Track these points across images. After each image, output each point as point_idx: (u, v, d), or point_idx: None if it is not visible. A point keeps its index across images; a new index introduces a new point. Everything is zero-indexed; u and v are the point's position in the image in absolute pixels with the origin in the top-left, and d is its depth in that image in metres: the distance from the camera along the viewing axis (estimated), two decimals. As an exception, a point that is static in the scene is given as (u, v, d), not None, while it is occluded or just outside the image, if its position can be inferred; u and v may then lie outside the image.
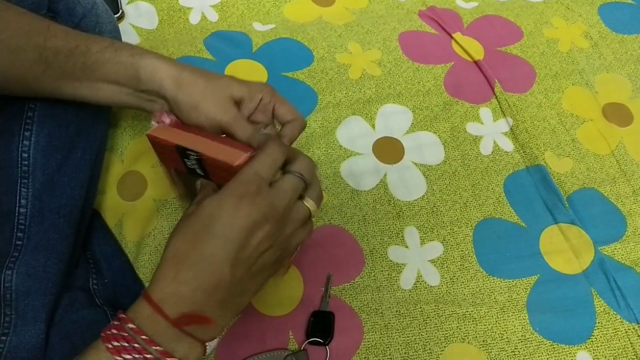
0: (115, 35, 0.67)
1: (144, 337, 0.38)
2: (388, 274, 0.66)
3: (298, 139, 0.75)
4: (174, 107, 0.53)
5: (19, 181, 0.54)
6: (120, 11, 0.85)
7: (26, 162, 0.54)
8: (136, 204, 0.69)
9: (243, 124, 0.52)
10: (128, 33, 0.85)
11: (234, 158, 0.46)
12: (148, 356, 0.38)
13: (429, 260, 0.67)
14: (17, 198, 0.54)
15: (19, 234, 0.53)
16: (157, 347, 0.39)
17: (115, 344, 0.38)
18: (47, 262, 0.53)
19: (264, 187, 0.42)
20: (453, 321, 0.63)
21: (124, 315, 0.40)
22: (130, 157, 0.73)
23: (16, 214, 0.53)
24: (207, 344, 0.42)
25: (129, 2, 0.88)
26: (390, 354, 0.60)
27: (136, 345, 0.38)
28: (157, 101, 0.54)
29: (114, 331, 0.39)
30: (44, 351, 0.51)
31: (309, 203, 0.46)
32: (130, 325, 0.39)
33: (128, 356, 0.38)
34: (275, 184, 0.44)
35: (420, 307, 0.63)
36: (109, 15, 0.65)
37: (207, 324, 0.41)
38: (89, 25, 0.61)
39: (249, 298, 0.45)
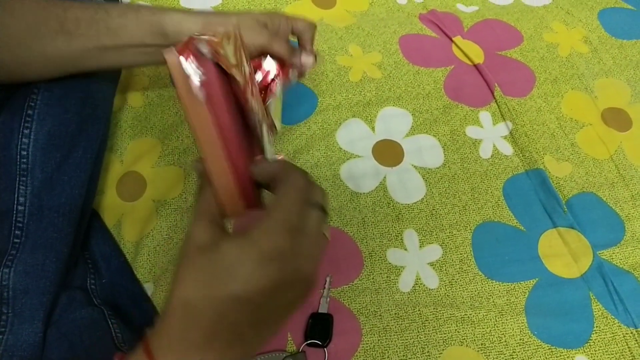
0: None
1: None
2: (387, 277, 0.66)
3: (298, 141, 0.75)
4: None
5: (17, 179, 0.54)
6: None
7: (25, 160, 0.54)
8: (135, 205, 0.69)
9: (279, 41, 0.54)
10: (129, 33, 0.85)
11: None
12: None
13: (428, 263, 0.67)
14: (16, 196, 0.54)
15: (17, 232, 0.53)
16: None
17: None
18: (46, 260, 0.53)
19: (295, 242, 0.34)
20: (451, 324, 0.63)
21: None
22: (130, 157, 0.72)
23: (14, 212, 0.53)
24: None
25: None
26: (388, 357, 0.60)
27: None
28: None
29: None
30: (41, 350, 0.50)
31: (327, 234, 0.38)
32: None
33: None
34: (304, 232, 0.35)
35: (419, 310, 0.63)
36: None
37: None
38: None
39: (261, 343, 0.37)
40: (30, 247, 0.53)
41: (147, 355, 0.32)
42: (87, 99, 0.59)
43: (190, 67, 0.35)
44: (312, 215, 0.35)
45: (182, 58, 0.34)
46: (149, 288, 0.63)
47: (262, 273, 0.32)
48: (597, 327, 0.63)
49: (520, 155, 0.76)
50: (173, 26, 0.52)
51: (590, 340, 0.62)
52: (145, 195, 0.70)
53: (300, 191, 0.35)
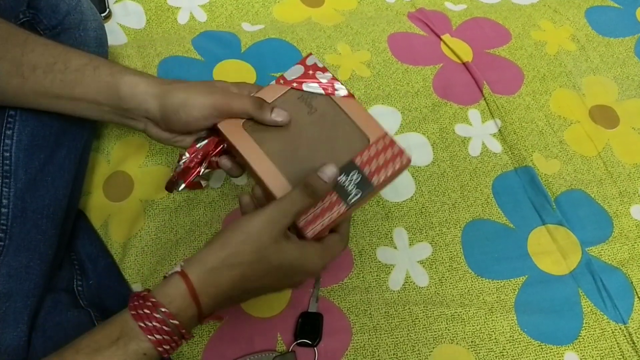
0: (100, 32, 0.66)
1: (182, 330, 0.42)
2: (377, 275, 0.65)
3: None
4: (161, 119, 0.52)
5: (0, 181, 0.53)
6: (108, 10, 0.85)
7: (8, 162, 0.53)
8: (122, 205, 0.68)
9: (238, 97, 0.52)
10: (115, 32, 0.84)
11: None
12: (175, 337, 0.42)
13: (418, 261, 0.67)
14: None
15: (0, 235, 0.52)
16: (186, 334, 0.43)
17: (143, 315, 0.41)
18: (30, 263, 0.52)
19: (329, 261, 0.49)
20: (442, 322, 0.63)
21: (165, 310, 0.41)
22: (117, 157, 0.72)
23: None
24: None
25: (116, 1, 0.87)
26: (378, 355, 0.60)
27: (174, 337, 0.42)
28: (140, 120, 0.54)
29: (155, 324, 0.41)
30: (26, 354, 0.50)
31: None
32: (174, 322, 0.41)
33: (166, 346, 0.41)
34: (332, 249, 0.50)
35: (409, 308, 0.63)
36: (93, 13, 0.64)
37: (218, 320, 0.47)
38: (72, 22, 0.60)
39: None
40: (13, 250, 0.52)
41: (192, 297, 0.42)
42: None
43: None
44: (336, 241, 0.50)
45: None
46: (136, 289, 0.63)
47: (314, 266, 0.47)
48: (586, 323, 0.64)
49: (509, 152, 0.76)
50: (126, 91, 0.51)
51: (580, 336, 0.63)
52: (132, 196, 0.69)
53: (338, 252, 0.50)
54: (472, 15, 0.92)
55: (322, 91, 0.53)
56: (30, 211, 0.54)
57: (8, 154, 0.53)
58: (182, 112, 0.51)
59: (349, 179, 0.49)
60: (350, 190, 0.49)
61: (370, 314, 0.63)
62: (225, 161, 0.55)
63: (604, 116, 0.82)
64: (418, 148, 0.76)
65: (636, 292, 0.66)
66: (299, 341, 0.60)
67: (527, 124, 0.79)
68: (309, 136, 0.52)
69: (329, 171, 0.46)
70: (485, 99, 0.81)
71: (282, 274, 0.46)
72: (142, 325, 0.40)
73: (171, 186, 0.56)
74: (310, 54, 0.55)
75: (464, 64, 0.85)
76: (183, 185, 0.55)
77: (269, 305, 0.62)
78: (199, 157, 0.54)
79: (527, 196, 0.73)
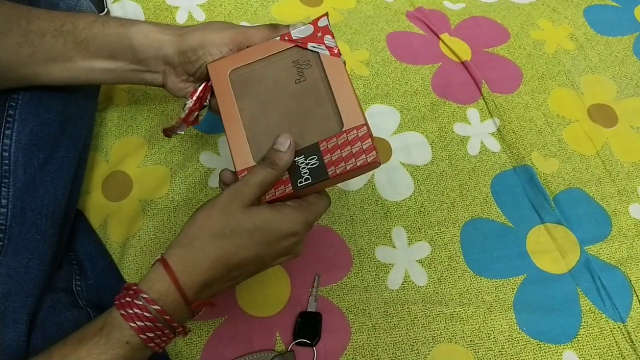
0: None
1: (166, 317, 0.42)
2: (376, 274, 0.65)
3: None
4: (179, 64, 0.51)
5: None
6: (106, 9, 0.84)
7: (7, 161, 0.53)
8: (121, 205, 0.68)
9: (255, 28, 0.51)
10: (114, 32, 0.84)
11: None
12: (165, 331, 0.42)
13: (417, 261, 0.67)
14: None
15: None
16: (173, 324, 0.42)
17: (131, 312, 0.41)
18: (29, 263, 0.52)
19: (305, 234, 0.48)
20: (440, 321, 0.63)
21: (146, 296, 0.41)
22: (116, 157, 0.72)
23: None
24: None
25: (114, 1, 0.87)
26: (377, 355, 0.60)
27: (158, 324, 0.42)
28: (158, 70, 0.53)
29: (136, 310, 0.41)
30: (25, 354, 0.50)
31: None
32: (156, 307, 0.41)
33: (150, 334, 0.41)
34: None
35: (408, 308, 0.63)
36: (93, 12, 0.64)
37: (211, 307, 0.45)
38: None
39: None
40: (13, 250, 0.52)
41: (167, 271, 0.42)
42: (69, 98, 0.58)
43: None
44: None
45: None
46: (135, 289, 0.63)
47: (282, 246, 0.46)
48: (584, 322, 0.64)
49: (508, 151, 0.76)
50: (140, 40, 0.50)
51: (579, 335, 0.63)
52: (131, 195, 0.69)
53: (320, 209, 0.49)
54: (471, 14, 0.92)
55: (327, 52, 0.50)
56: (29, 211, 0.54)
57: (7, 154, 0.53)
58: (201, 52, 0.50)
59: (306, 162, 0.47)
60: (303, 174, 0.47)
61: (369, 313, 0.63)
62: (214, 102, 0.54)
63: (603, 115, 0.82)
64: (417, 147, 0.76)
65: (634, 291, 0.66)
66: (297, 341, 0.60)
67: (525, 123, 0.79)
68: (287, 105, 0.50)
69: (283, 140, 0.46)
70: (484, 98, 0.81)
71: (262, 240, 0.45)
72: (124, 313, 0.40)
73: (170, 131, 0.56)
74: (327, 13, 0.52)
75: (462, 63, 0.85)
76: (184, 128, 0.55)
77: (267, 305, 0.62)
78: (200, 96, 0.53)
79: (526, 195, 0.73)
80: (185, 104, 0.53)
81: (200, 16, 0.87)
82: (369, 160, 0.46)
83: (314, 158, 0.47)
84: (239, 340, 0.60)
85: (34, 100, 0.55)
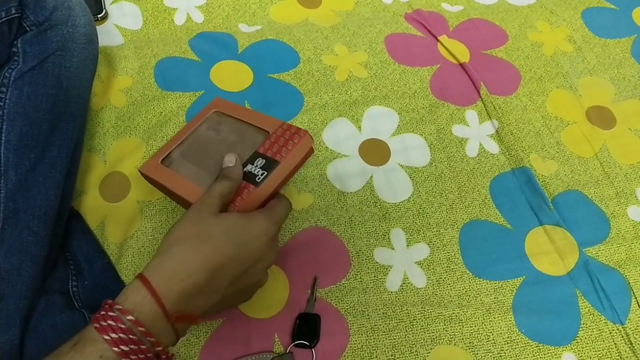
0: (89, 29, 0.62)
1: (141, 328, 0.41)
2: (374, 276, 0.65)
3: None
4: None
5: None
6: (104, 11, 0.84)
7: None
8: (119, 205, 0.68)
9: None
10: (112, 34, 0.84)
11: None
12: (142, 346, 0.40)
13: (415, 262, 0.67)
14: None
15: None
16: (151, 338, 0.41)
17: (113, 335, 0.40)
18: (22, 265, 0.52)
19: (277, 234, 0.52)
20: (439, 323, 0.62)
21: (120, 307, 0.41)
22: (113, 157, 0.71)
23: None
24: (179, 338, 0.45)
25: (112, 2, 0.87)
26: (376, 357, 0.60)
27: (133, 336, 0.40)
28: None
29: (110, 322, 0.40)
30: (19, 357, 0.49)
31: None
32: (129, 317, 0.40)
33: (125, 347, 0.39)
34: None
35: (407, 309, 0.63)
36: (82, 9, 0.61)
37: (195, 323, 0.45)
38: (60, 19, 0.57)
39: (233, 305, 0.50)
40: (5, 252, 0.51)
41: (142, 281, 0.41)
42: (58, 96, 0.57)
43: None
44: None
45: None
46: (133, 290, 0.62)
47: (259, 246, 0.49)
48: (583, 324, 0.63)
49: (507, 153, 0.76)
50: None
51: (577, 337, 0.63)
52: (129, 196, 0.69)
53: (283, 212, 0.53)
54: (469, 16, 0.92)
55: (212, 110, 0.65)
56: (21, 212, 0.53)
57: None
58: None
59: (254, 166, 0.54)
60: (258, 172, 0.53)
61: (367, 315, 0.63)
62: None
63: (601, 117, 0.82)
64: (415, 149, 0.76)
65: (633, 293, 0.66)
66: (296, 342, 0.59)
67: (524, 125, 0.80)
68: (218, 150, 0.58)
69: (229, 158, 0.53)
70: (482, 100, 0.81)
71: (237, 241, 0.46)
72: (97, 325, 0.40)
73: None
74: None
75: (461, 65, 0.85)
76: None
77: (266, 306, 0.62)
78: None
79: (525, 197, 0.73)
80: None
81: (199, 18, 0.87)
82: (302, 135, 0.54)
83: (260, 159, 0.54)
84: (237, 341, 0.60)
85: (22, 99, 0.54)
